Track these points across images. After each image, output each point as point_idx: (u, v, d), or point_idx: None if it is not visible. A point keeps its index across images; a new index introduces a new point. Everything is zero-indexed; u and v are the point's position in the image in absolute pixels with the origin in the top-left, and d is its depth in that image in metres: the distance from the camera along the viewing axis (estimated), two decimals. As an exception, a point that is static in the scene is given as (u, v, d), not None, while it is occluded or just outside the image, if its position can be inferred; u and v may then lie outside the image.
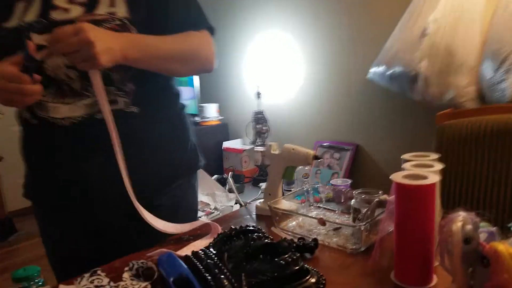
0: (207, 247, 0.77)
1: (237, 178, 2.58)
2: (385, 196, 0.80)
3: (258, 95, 2.68)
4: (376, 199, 0.78)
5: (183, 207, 1.05)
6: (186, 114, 1.09)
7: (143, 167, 0.95)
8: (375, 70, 2.01)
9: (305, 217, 0.89)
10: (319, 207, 1.01)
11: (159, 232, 0.91)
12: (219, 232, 0.83)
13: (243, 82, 3.00)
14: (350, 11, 2.35)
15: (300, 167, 1.08)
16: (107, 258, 0.83)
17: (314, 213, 0.96)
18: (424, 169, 0.66)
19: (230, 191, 2.41)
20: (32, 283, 0.73)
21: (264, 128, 2.65)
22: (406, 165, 0.69)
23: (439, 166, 0.67)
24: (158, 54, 0.88)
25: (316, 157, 0.95)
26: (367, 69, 2.08)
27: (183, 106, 1.09)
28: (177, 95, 1.07)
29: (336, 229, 0.82)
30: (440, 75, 1.75)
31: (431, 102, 1.81)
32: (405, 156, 0.74)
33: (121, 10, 0.87)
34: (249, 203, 1.10)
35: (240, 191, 2.49)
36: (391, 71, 1.90)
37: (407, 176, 0.63)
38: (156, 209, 0.96)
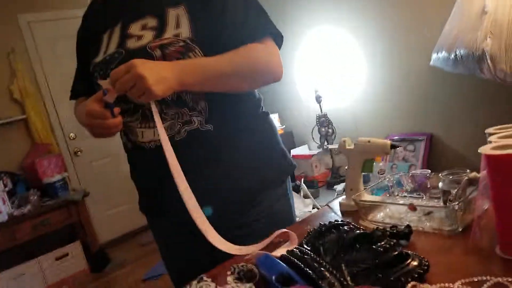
0: (301, 245, 0.79)
1: (311, 184, 2.59)
2: (474, 174, 0.77)
3: (318, 98, 2.69)
4: (466, 177, 0.76)
5: (278, 219, 1.03)
6: (269, 120, 1.09)
7: (227, 183, 0.98)
8: (438, 56, 1.94)
9: (393, 205, 0.88)
10: (404, 196, 0.99)
11: (256, 232, 0.94)
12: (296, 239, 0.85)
13: (300, 87, 3.02)
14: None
15: (375, 163, 1.08)
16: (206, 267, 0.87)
17: (401, 202, 0.95)
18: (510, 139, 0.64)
19: (306, 197, 2.42)
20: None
21: (329, 130, 2.65)
22: (492, 138, 0.67)
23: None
24: (215, 75, 0.89)
25: (393, 146, 0.95)
26: (429, 56, 2.01)
27: (264, 113, 1.09)
28: (256, 102, 1.07)
29: (428, 213, 0.80)
30: (508, 50, 1.65)
31: (503, 79, 1.70)
32: (490, 130, 0.72)
33: (185, 31, 0.91)
34: (327, 205, 1.10)
35: (315, 196, 2.50)
36: (454, 54, 1.83)
37: (496, 148, 0.61)
38: (250, 225, 0.99)
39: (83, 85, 1.08)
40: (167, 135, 0.94)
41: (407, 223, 0.78)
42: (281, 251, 0.82)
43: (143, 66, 0.80)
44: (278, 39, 0.99)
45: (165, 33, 0.91)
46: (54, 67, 3.62)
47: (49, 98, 3.64)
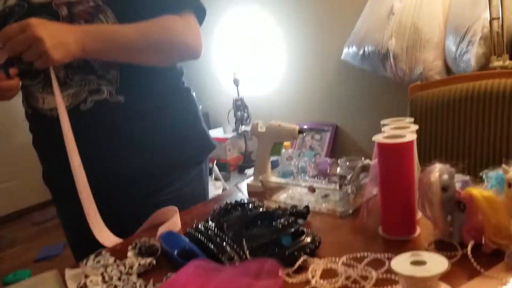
0: (206, 221, 0.80)
1: (223, 167, 2.62)
2: (367, 161, 0.85)
3: (236, 81, 2.71)
4: (360, 164, 0.84)
5: (189, 201, 1.00)
6: (190, 96, 1.04)
7: (137, 161, 0.93)
8: (348, 51, 2.08)
9: (295, 187, 0.94)
10: (307, 180, 1.06)
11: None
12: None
13: (218, 68, 3.01)
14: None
15: (284, 150, 1.13)
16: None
17: (302, 184, 1.01)
18: (401, 130, 0.72)
19: (217, 179, 2.45)
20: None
21: (245, 114, 2.69)
22: (385, 128, 0.75)
23: (414, 126, 0.73)
24: (123, 45, 0.84)
25: (300, 131, 1.00)
26: (341, 50, 2.15)
27: (186, 88, 1.04)
28: (177, 75, 1.01)
29: (325, 196, 0.87)
30: (408, 51, 1.84)
31: (402, 77, 1.90)
32: (384, 121, 0.80)
33: None
34: (236, 185, 1.13)
35: (226, 179, 2.54)
36: (363, 51, 1.98)
37: (387, 137, 0.69)
38: (162, 205, 0.94)
39: None
40: (72, 104, 0.87)
41: (306, 203, 0.84)
42: (163, 229, 0.82)
43: (41, 27, 0.73)
44: (200, 14, 0.95)
45: None
46: None
47: None
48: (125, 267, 0.70)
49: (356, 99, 2.34)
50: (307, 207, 0.82)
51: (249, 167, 2.64)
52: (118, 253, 0.76)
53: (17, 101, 0.97)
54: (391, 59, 1.87)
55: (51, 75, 0.82)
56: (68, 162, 0.83)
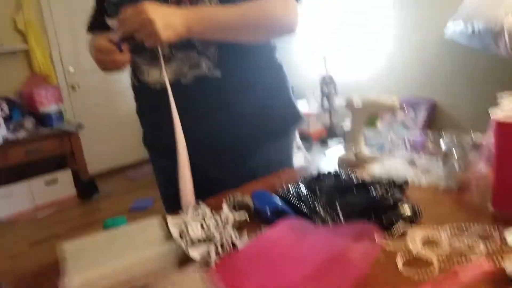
0: (296, 183, 0.81)
1: (305, 139, 2.61)
2: (478, 136, 0.78)
3: (325, 57, 2.65)
4: (470, 141, 0.78)
5: (277, 167, 1.03)
6: (282, 72, 1.07)
7: (230, 129, 0.98)
8: (454, 27, 1.90)
9: (392, 160, 0.90)
10: (403, 155, 1.01)
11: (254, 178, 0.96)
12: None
13: (308, 42, 2.95)
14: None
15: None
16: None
17: (400, 158, 0.97)
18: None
19: (298, 148, 2.45)
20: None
21: (332, 90, 2.64)
22: (504, 104, 0.67)
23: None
24: (225, 26, 0.88)
25: (401, 106, 0.95)
26: (444, 25, 1.97)
27: (278, 64, 1.07)
28: (271, 51, 1.05)
29: (426, 171, 0.82)
30: (527, 29, 1.62)
31: (520, 57, 1.69)
32: (502, 94, 0.72)
33: None
34: (324, 154, 1.11)
35: (308, 149, 2.53)
36: (471, 28, 1.79)
37: (508, 116, 0.62)
38: (249, 171, 1.00)
39: (99, 20, 1.05)
40: (174, 77, 0.94)
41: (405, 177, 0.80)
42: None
43: (153, 10, 0.79)
44: None
45: None
46: (59, 1, 3.55)
47: (52, 31, 3.58)
48: (221, 219, 0.74)
49: (459, 75, 2.14)
50: (405, 179, 0.78)
51: (332, 140, 2.60)
52: (214, 207, 0.81)
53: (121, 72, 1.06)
54: (507, 37, 1.67)
55: (159, 52, 0.89)
56: (168, 129, 0.90)
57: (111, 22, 0.88)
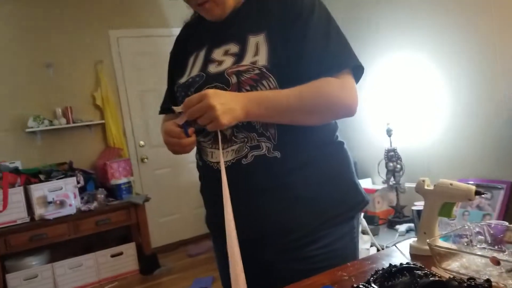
0: (367, 282, 0.75)
1: (371, 220, 2.49)
2: None
3: (389, 131, 2.60)
4: None
5: (338, 258, 0.97)
6: (343, 150, 1.05)
7: (290, 212, 0.95)
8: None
9: (472, 256, 0.81)
10: (483, 248, 0.91)
11: (312, 270, 0.90)
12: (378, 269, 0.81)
13: (370, 117, 2.93)
14: (502, 18, 2.05)
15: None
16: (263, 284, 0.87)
17: (480, 254, 0.87)
18: None
19: (364, 233, 2.32)
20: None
21: (398, 166, 2.54)
22: None
23: None
24: (282, 110, 0.89)
25: (478, 192, 0.88)
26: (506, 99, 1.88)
27: (339, 142, 1.05)
28: (331, 130, 1.04)
29: (511, 270, 0.73)
30: None
31: None
32: None
33: (262, 59, 0.92)
34: (395, 245, 1.03)
35: (375, 233, 2.39)
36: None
37: None
38: (309, 261, 0.95)
39: (170, 103, 1.14)
40: (235, 158, 0.96)
41: (486, 277, 0.72)
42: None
43: (214, 97, 0.84)
44: (358, 72, 0.96)
45: (243, 60, 0.94)
46: (134, 80, 3.98)
47: (126, 107, 3.96)
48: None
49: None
50: (488, 281, 0.69)
51: (401, 222, 2.45)
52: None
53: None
54: None
55: (218, 134, 0.93)
56: (222, 209, 0.88)
57: (175, 108, 0.94)
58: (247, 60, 0.93)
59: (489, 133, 2.18)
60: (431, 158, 2.52)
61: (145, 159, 4.00)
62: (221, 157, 0.92)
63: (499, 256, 0.78)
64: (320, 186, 0.97)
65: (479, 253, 0.89)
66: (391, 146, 2.59)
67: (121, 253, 3.43)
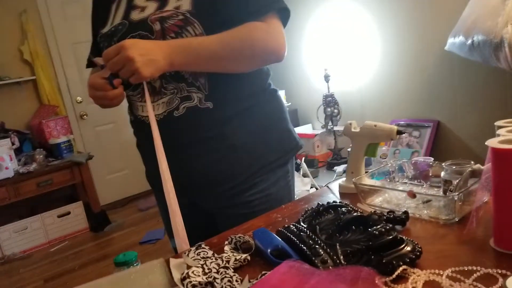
0: (297, 222, 0.81)
1: (311, 163, 2.61)
2: (478, 166, 0.78)
3: (326, 77, 2.66)
4: (470, 169, 0.77)
5: (275, 200, 1.01)
6: (277, 97, 1.05)
7: (224, 162, 0.97)
8: (454, 41, 1.90)
9: (393, 191, 0.89)
10: (405, 183, 1.00)
11: (252, 214, 0.95)
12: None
13: (308, 65, 2.98)
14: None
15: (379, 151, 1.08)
16: (207, 235, 0.89)
17: (401, 188, 0.96)
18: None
19: (305, 176, 2.44)
20: (131, 266, 0.79)
21: (335, 111, 2.63)
22: (501, 131, 0.67)
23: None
24: (207, 57, 0.87)
25: (400, 132, 0.95)
26: (445, 41, 1.98)
27: (272, 89, 1.05)
28: (263, 78, 1.02)
29: (426, 202, 0.81)
30: (528, 39, 1.61)
31: (520, 69, 1.68)
32: (499, 122, 0.72)
33: (186, 3, 0.88)
34: (327, 185, 1.10)
35: (315, 175, 2.52)
36: (471, 40, 1.79)
37: (504, 142, 0.61)
38: (246, 206, 0.99)
39: (96, 55, 1.08)
40: (166, 110, 0.94)
41: (405, 209, 0.79)
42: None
43: (133, 48, 0.80)
44: (284, 15, 0.94)
45: (167, 5, 0.90)
46: (64, 31, 3.66)
47: (58, 61, 3.67)
48: (222, 261, 0.74)
49: (462, 93, 2.13)
50: (406, 212, 0.77)
51: (339, 164, 2.59)
52: (215, 247, 0.81)
53: (125, 102, 1.08)
54: (506, 49, 1.66)
55: (144, 87, 0.90)
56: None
57: (96, 59, 0.89)
58: (171, 5, 0.89)
59: (419, 76, 2.30)
60: (365, 102, 2.64)
61: (85, 116, 3.81)
62: (150, 109, 0.89)
63: (415, 189, 0.86)
64: (254, 134, 0.98)
65: (400, 188, 0.97)
66: (328, 91, 2.67)
67: (68, 213, 3.37)
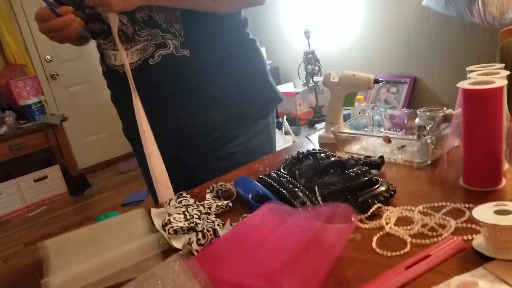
0: (278, 169, 0.82)
1: (293, 121, 2.62)
2: (450, 110, 0.80)
3: (307, 34, 2.62)
4: (442, 114, 0.79)
5: (257, 152, 1.01)
6: (255, 48, 1.03)
7: (204, 113, 0.95)
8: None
9: (369, 138, 0.91)
10: (381, 132, 1.02)
11: (234, 166, 0.96)
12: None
13: (288, 22, 2.93)
14: None
15: (356, 104, 1.10)
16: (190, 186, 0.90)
17: (376, 134, 0.98)
18: (490, 77, 0.66)
19: (287, 133, 2.46)
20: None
21: (316, 68, 2.63)
22: (472, 74, 0.69)
23: (505, 72, 0.66)
24: None
25: (376, 81, 0.96)
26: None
27: (251, 39, 1.03)
28: (241, 26, 1.00)
29: (401, 147, 0.84)
30: (499, -6, 1.63)
31: (492, 23, 1.71)
32: (471, 67, 0.74)
33: None
34: (307, 137, 1.11)
35: (296, 133, 2.54)
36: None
37: (474, 84, 0.63)
38: (228, 158, 0.99)
39: None
40: (141, 58, 0.90)
41: (381, 154, 0.82)
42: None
43: None
44: None
45: None
46: None
47: (23, 16, 3.45)
48: (204, 208, 0.75)
49: (438, 48, 2.16)
50: (381, 157, 0.80)
51: (320, 121, 2.61)
52: (197, 196, 0.82)
53: (97, 53, 1.03)
54: (479, 3, 1.68)
55: (113, 33, 0.85)
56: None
57: None
58: None
59: (398, 32, 2.31)
60: (345, 59, 2.64)
61: (55, 76, 3.63)
62: (124, 54, 0.85)
63: (390, 135, 0.88)
64: (233, 86, 0.97)
65: (375, 134, 0.99)
66: (309, 48, 2.64)
67: (45, 177, 3.32)
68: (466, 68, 0.74)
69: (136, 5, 0.82)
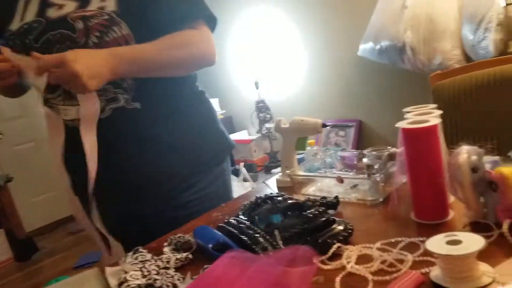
0: (237, 215, 0.82)
1: (250, 168, 2.65)
2: (394, 149, 0.85)
3: (256, 84, 2.74)
4: (387, 152, 0.84)
5: (214, 199, 1.02)
6: (204, 99, 1.07)
7: (158, 163, 0.96)
8: (365, 47, 2.08)
9: (324, 179, 0.95)
10: (334, 172, 1.06)
11: (191, 215, 0.95)
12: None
13: (238, 72, 3.04)
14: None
15: (309, 147, 1.15)
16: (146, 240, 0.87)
17: (330, 175, 1.02)
18: (425, 116, 0.72)
19: (245, 180, 2.47)
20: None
21: (267, 116, 2.71)
22: (408, 115, 0.75)
23: (438, 111, 0.73)
24: (149, 66, 0.89)
25: (324, 125, 1.01)
26: (358, 46, 2.14)
27: (200, 91, 1.06)
28: (190, 80, 1.04)
29: (353, 186, 0.87)
30: (426, 42, 1.83)
31: (422, 68, 1.88)
32: (407, 109, 0.80)
33: (111, 4, 0.87)
34: (264, 182, 1.13)
35: (254, 179, 2.56)
36: (379, 46, 1.97)
37: (411, 123, 0.69)
38: (185, 207, 0.98)
39: None
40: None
41: (336, 195, 0.85)
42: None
43: (77, 63, 0.77)
44: (211, 22, 0.98)
45: (89, 5, 0.87)
46: None
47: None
48: (162, 262, 0.73)
49: (377, 93, 2.33)
50: (336, 197, 0.82)
51: (276, 166, 2.66)
52: (154, 251, 0.79)
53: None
54: (409, 52, 1.86)
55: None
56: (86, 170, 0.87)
57: (22, 59, 0.84)
58: (94, 5, 0.87)
59: (339, 80, 2.48)
60: (294, 106, 2.76)
61: (0, 135, 3.49)
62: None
63: (343, 175, 0.92)
64: (186, 135, 0.99)
65: (329, 175, 1.03)
66: (259, 98, 2.74)
67: (-13, 243, 3.06)
68: (403, 110, 0.80)
69: (107, 80, 0.83)
